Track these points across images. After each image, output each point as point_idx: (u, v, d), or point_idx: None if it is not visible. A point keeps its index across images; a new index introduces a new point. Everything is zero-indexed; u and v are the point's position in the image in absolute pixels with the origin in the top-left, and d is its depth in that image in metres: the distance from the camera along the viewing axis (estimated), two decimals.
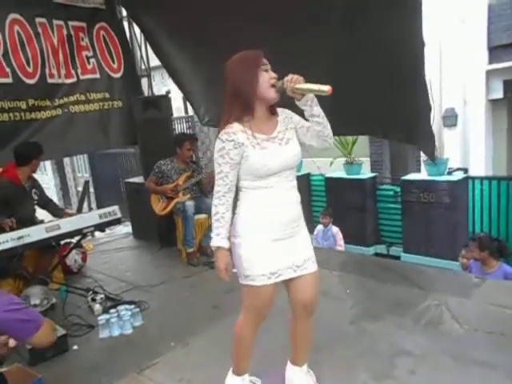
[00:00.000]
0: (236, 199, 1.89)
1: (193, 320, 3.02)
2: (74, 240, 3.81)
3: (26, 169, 3.61)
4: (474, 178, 4.97)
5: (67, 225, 3.30)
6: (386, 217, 5.68)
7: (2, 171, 3.66)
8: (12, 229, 3.15)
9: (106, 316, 3.01)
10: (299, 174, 5.71)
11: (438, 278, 3.44)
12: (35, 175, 3.91)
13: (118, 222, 3.69)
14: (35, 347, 1.65)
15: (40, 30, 4.34)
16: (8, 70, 4.13)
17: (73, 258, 4.20)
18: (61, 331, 2.75)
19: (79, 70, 4.72)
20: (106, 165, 10.06)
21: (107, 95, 4.97)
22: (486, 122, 7.12)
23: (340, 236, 5.17)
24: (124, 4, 5.10)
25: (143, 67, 5.50)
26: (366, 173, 6.13)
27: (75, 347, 2.81)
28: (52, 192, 14.64)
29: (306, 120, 1.89)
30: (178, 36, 4.50)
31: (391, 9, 2.91)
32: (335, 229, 5.18)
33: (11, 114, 4.20)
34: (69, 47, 4.59)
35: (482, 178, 4.99)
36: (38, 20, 4.33)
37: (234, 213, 1.88)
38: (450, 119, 7.13)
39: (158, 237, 4.78)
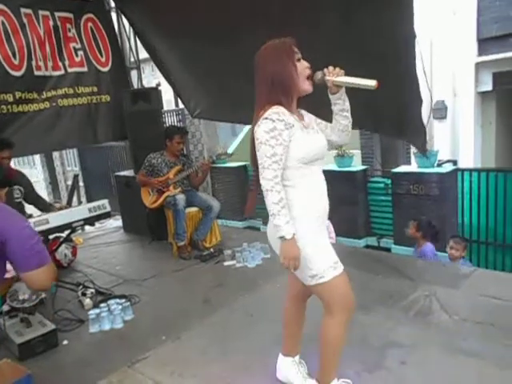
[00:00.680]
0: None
1: (184, 313, 3.02)
2: (64, 234, 3.77)
3: None
4: (463, 170, 5.00)
5: (56, 219, 3.25)
6: (376, 209, 5.71)
7: None
8: None
9: (96, 310, 2.99)
10: None
11: (427, 269, 3.47)
12: (24, 170, 3.85)
13: (107, 215, 3.65)
14: (28, 285, 1.59)
15: (26, 20, 4.26)
16: None
17: (62, 253, 4.16)
18: (50, 326, 2.73)
19: (67, 62, 4.65)
20: (96, 158, 9.96)
21: (95, 89, 4.91)
22: (475, 114, 7.17)
23: (331, 229, 5.18)
24: None
25: (132, 59, 5.43)
26: (356, 165, 6.14)
27: (65, 342, 2.79)
28: (41, 186, 14.50)
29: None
30: (166, 28, 4.45)
31: (382, 2, 2.90)
32: (327, 222, 5.18)
33: None
34: (56, 39, 4.51)
35: (471, 170, 5.03)
36: (24, 11, 4.25)
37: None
38: (440, 111, 7.17)
39: (148, 230, 4.76)
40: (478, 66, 6.92)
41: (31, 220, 3.18)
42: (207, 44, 4.04)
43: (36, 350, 2.61)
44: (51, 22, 4.47)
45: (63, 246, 4.05)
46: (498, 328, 2.48)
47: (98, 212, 3.48)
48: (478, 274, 3.35)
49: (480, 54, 6.88)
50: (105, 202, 3.55)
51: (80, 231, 5.21)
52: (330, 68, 1.72)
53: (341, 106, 1.80)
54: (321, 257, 1.74)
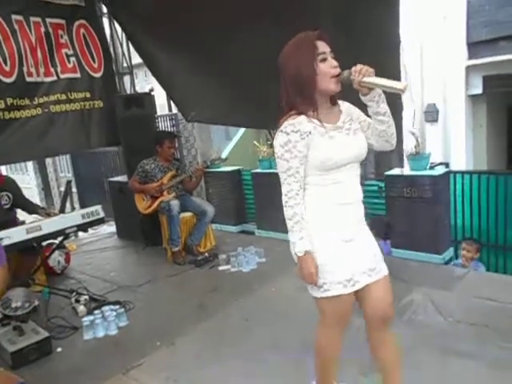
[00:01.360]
0: None
1: (178, 319, 3.01)
2: (57, 241, 3.75)
3: None
4: (455, 173, 5.02)
5: (49, 226, 3.24)
6: (371, 212, 5.72)
7: None
8: None
9: (90, 317, 2.98)
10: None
11: (421, 271, 3.48)
12: (16, 177, 3.83)
13: (101, 221, 3.64)
14: None
15: (17, 27, 4.24)
16: None
17: (56, 259, 4.13)
18: (44, 333, 2.71)
19: (59, 69, 4.63)
20: (89, 164, 9.91)
21: (88, 95, 4.89)
22: (466, 117, 7.24)
23: None
24: (104, 1, 5.03)
25: (125, 65, 5.43)
26: None
27: (59, 349, 2.77)
28: (34, 192, 14.38)
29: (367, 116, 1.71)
30: (158, 31, 4.45)
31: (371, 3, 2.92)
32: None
33: None
34: (47, 45, 4.50)
35: (463, 173, 5.05)
36: (15, 17, 4.23)
37: None
38: (432, 115, 7.23)
39: (142, 236, 4.74)
40: (469, 70, 6.99)
41: (24, 227, 3.17)
42: (201, 45, 4.04)
43: (29, 358, 2.59)
44: (43, 29, 4.45)
45: (56, 252, 4.02)
46: (493, 329, 2.49)
47: (92, 218, 3.47)
48: (472, 275, 3.37)
49: (470, 57, 6.95)
50: (98, 207, 3.54)
51: (73, 237, 5.19)
52: (358, 67, 1.56)
53: (374, 108, 1.63)
54: (333, 270, 1.64)
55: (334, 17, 3.10)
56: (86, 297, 3.39)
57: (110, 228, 5.58)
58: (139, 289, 3.64)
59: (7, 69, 4.18)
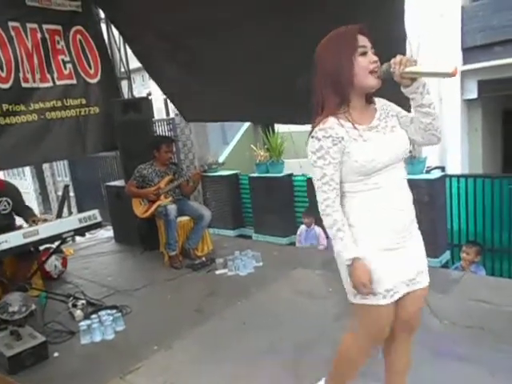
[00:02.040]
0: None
1: (176, 323, 3.01)
2: (54, 245, 3.75)
3: None
4: (451, 177, 5.06)
5: (46, 230, 3.24)
6: None
7: None
8: None
9: (87, 322, 2.97)
10: (281, 174, 5.73)
11: None
12: (14, 182, 3.82)
13: (98, 226, 3.63)
14: None
15: (13, 33, 4.25)
16: None
17: (52, 264, 4.12)
18: (41, 338, 2.71)
19: (55, 75, 4.63)
20: (87, 168, 9.92)
21: (84, 101, 4.89)
22: (461, 121, 7.30)
23: (323, 236, 5.20)
24: (101, 6, 5.04)
25: (123, 70, 5.45)
26: None
27: (56, 354, 2.76)
28: (31, 197, 14.37)
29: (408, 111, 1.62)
30: (156, 35, 4.46)
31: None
32: (318, 229, 5.22)
33: None
34: (44, 51, 4.50)
35: (458, 176, 5.09)
36: (11, 24, 4.24)
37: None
38: None
39: (139, 240, 4.75)
40: (464, 75, 7.05)
41: (21, 231, 3.17)
42: (199, 43, 4.05)
43: (26, 363, 2.58)
44: (39, 35, 4.45)
45: (53, 257, 4.02)
46: (488, 332, 2.51)
47: (89, 222, 3.47)
48: (468, 278, 3.39)
49: (465, 62, 7.02)
50: (95, 212, 3.54)
51: (70, 242, 5.18)
52: (398, 58, 1.46)
53: (418, 101, 1.52)
54: (375, 280, 1.55)
55: (335, 15, 3.12)
56: (83, 301, 3.39)
57: (107, 233, 5.58)
58: (136, 293, 3.64)
59: (3, 75, 4.19)
